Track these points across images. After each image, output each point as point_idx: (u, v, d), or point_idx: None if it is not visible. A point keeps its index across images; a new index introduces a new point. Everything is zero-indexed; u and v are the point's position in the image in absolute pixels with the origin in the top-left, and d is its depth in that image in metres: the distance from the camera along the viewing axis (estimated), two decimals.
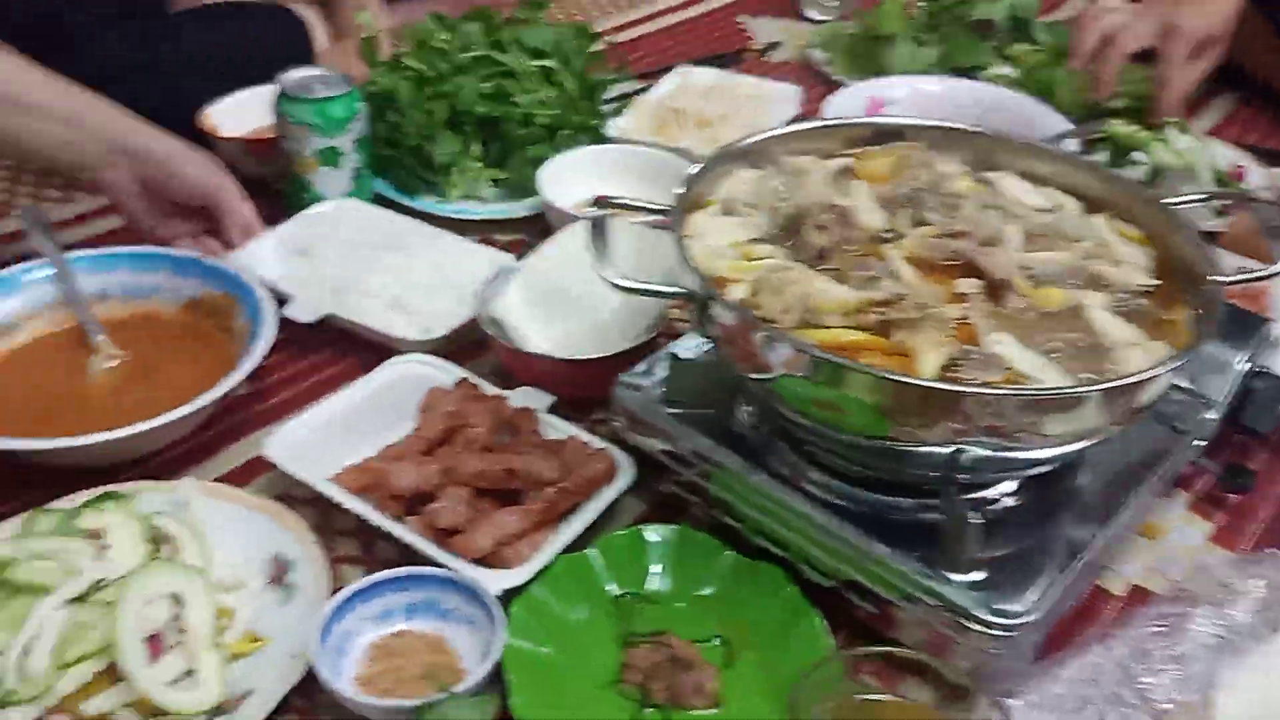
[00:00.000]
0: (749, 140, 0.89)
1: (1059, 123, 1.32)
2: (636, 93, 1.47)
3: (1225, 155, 1.33)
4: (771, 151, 0.91)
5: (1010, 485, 0.79)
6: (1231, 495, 0.90)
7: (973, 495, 0.77)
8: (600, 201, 0.80)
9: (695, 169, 0.84)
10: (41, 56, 0.97)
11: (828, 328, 0.72)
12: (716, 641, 0.75)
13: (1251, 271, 0.78)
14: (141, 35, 1.18)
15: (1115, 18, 1.33)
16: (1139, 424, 0.78)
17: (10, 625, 0.66)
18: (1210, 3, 1.32)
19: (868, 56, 1.53)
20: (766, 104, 1.43)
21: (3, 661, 0.64)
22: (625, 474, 0.83)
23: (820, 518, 0.75)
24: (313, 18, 1.42)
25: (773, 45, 1.69)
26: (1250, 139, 1.48)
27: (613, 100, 1.42)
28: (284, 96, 1.08)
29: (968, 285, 0.76)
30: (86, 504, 0.74)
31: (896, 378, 0.65)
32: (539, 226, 1.18)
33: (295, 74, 1.11)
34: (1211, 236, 1.16)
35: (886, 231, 0.82)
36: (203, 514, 0.77)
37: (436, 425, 0.85)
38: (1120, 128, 1.32)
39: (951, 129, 0.93)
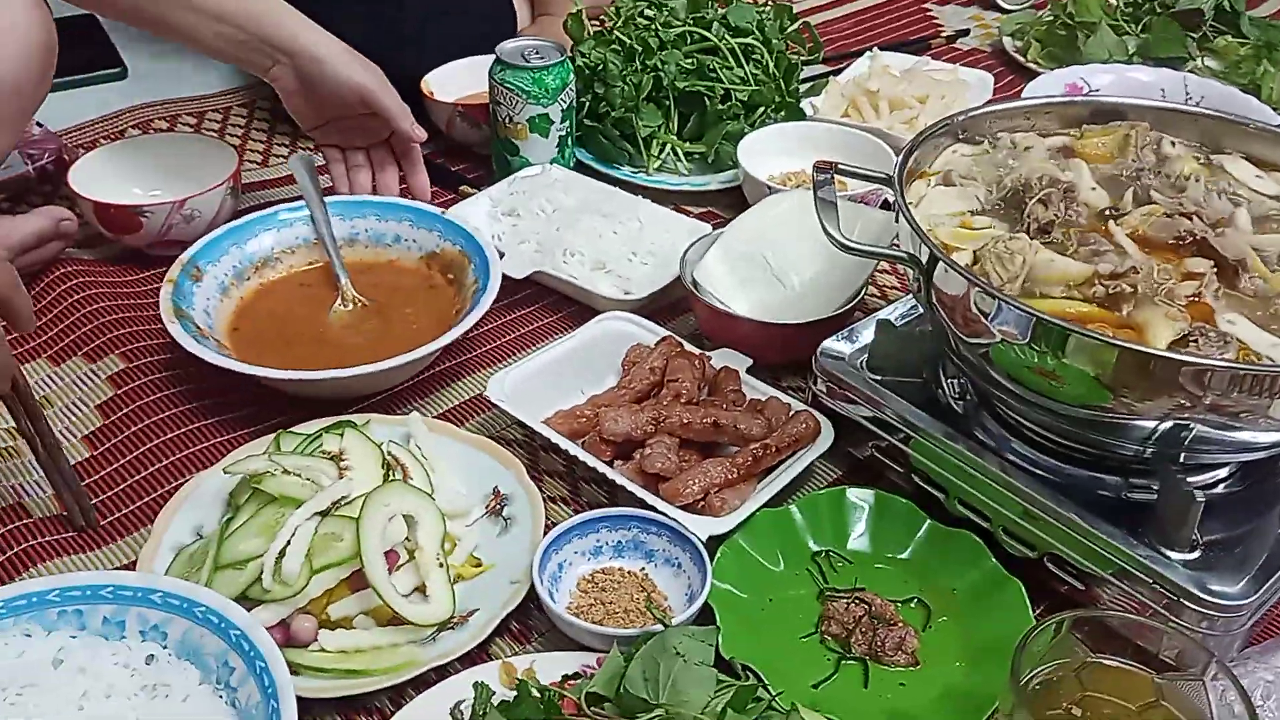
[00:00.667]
0: (965, 115, 0.89)
1: (1271, 116, 1.27)
2: (829, 74, 1.48)
3: None
4: (987, 127, 0.90)
5: (1224, 471, 0.77)
6: None
7: (1188, 476, 0.76)
8: (821, 167, 0.81)
9: (914, 138, 0.84)
10: None
11: (1054, 298, 0.72)
12: (914, 603, 0.76)
13: None
14: (372, 15, 1.25)
15: None
16: None
17: (265, 531, 0.72)
18: None
19: (1063, 45, 1.49)
20: (960, 90, 1.41)
21: (260, 564, 0.70)
22: (826, 436, 0.84)
23: (1028, 488, 0.75)
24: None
25: (962, 33, 1.67)
26: None
27: (807, 80, 1.44)
28: (500, 63, 1.13)
29: (1199, 264, 0.75)
30: (327, 429, 0.80)
31: (1134, 346, 0.65)
32: (730, 200, 1.20)
33: (511, 43, 1.16)
34: None
35: (1111, 209, 0.81)
36: (427, 446, 0.82)
37: (644, 378, 0.88)
38: None
39: (1176, 109, 0.92)
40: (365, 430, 0.80)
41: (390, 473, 0.77)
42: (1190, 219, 0.78)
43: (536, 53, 1.14)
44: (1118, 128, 0.90)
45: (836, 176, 0.84)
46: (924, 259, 0.74)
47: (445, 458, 0.82)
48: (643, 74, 1.22)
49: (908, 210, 0.75)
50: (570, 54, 1.22)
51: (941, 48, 1.64)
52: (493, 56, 1.15)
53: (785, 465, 0.82)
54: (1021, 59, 1.53)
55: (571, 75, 1.15)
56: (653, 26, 1.27)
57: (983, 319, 0.71)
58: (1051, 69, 1.48)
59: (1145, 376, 0.66)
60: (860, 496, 0.82)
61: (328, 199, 1.04)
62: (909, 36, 1.67)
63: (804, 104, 1.34)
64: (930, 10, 1.78)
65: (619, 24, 1.27)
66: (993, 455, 0.78)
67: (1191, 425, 0.68)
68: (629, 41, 1.24)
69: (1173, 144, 0.89)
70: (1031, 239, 0.77)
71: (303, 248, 1.03)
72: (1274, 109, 1.34)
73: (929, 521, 0.80)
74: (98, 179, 1.07)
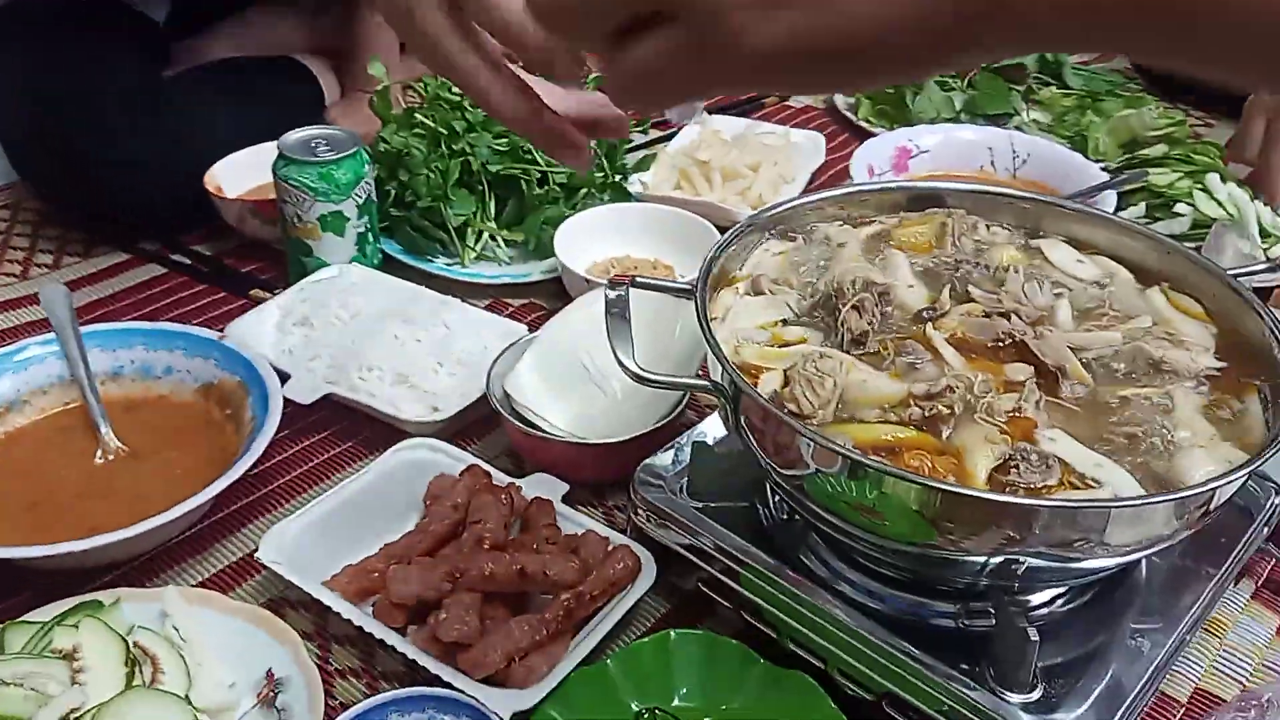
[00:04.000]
0: (777, 208, 0.84)
1: (1096, 173, 1.26)
2: (656, 142, 1.42)
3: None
4: (801, 219, 0.85)
5: (1064, 588, 0.72)
6: None
7: (1024, 599, 0.71)
8: (617, 281, 0.74)
9: (719, 242, 0.78)
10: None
11: (869, 423, 0.66)
12: None
13: None
14: (141, 100, 1.14)
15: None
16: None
17: None
18: None
19: (892, 103, 1.47)
20: (792, 153, 1.37)
21: None
22: (648, 573, 0.76)
23: (857, 623, 0.69)
24: (321, 69, 1.38)
25: None
26: None
27: (637, 150, 1.38)
28: (283, 158, 1.03)
29: (1020, 372, 0.70)
30: (61, 617, 0.69)
31: (945, 487, 0.59)
32: (555, 290, 1.13)
33: (297, 134, 1.06)
34: (1263, 294, 1.09)
35: (928, 309, 0.76)
36: (188, 625, 0.71)
37: (443, 520, 0.79)
38: (1160, 177, 1.26)
39: (994, 193, 0.88)
40: (110, 614, 0.69)
41: (136, 671, 0.66)
42: (1009, 318, 0.74)
43: (325, 144, 1.05)
44: (934, 215, 0.85)
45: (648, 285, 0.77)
46: (728, 387, 0.67)
47: (210, 637, 0.71)
48: (450, 159, 1.14)
49: (709, 332, 0.68)
50: (375, 138, 1.13)
51: (774, 106, 1.61)
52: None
53: (603, 613, 0.74)
54: (853, 117, 1.51)
55: (367, 166, 1.06)
56: (460, 106, 1.19)
57: (794, 453, 0.64)
58: (883, 127, 1.45)
59: (966, 513, 0.61)
60: (686, 640, 0.74)
61: (86, 328, 0.92)
62: (741, 95, 1.63)
63: (633, 180, 1.28)
64: None
65: (424, 106, 1.18)
66: (822, 588, 0.72)
67: (1022, 559, 0.62)
68: (433, 125, 1.15)
69: (988, 227, 0.85)
70: (846, 352, 0.72)
71: (57, 386, 0.90)
72: (1099, 160, 1.34)
73: (761, 663, 0.73)
74: None
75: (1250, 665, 0.78)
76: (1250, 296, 0.74)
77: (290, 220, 1.05)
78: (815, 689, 0.71)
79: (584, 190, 1.19)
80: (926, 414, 0.66)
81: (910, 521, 0.62)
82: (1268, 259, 1.19)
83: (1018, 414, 0.67)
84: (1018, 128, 1.38)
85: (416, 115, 1.16)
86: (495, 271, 1.15)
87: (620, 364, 0.68)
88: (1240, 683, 0.77)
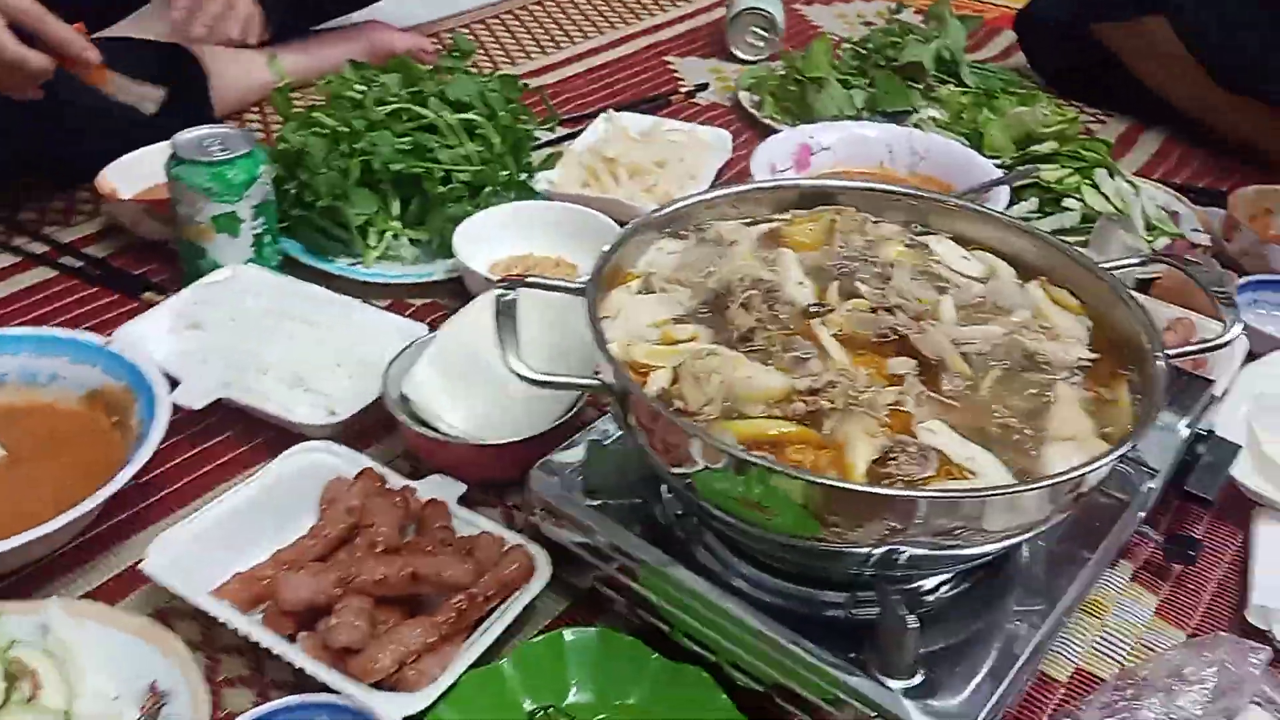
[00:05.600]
0: (671, 207, 0.84)
1: (990, 169, 1.29)
2: (564, 139, 1.42)
3: (1156, 196, 1.31)
4: (695, 217, 0.86)
5: (948, 574, 0.74)
6: (1177, 565, 0.87)
7: (910, 586, 0.73)
8: (508, 281, 0.74)
9: (611, 242, 0.79)
10: None
11: (754, 418, 0.67)
12: None
13: (1197, 343, 0.75)
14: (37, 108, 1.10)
15: None
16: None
17: None
18: None
19: (796, 100, 1.49)
20: (699, 150, 1.38)
21: None
22: (542, 572, 0.77)
23: (746, 617, 0.70)
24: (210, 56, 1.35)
25: (701, 86, 1.66)
26: (1181, 176, 1.47)
27: (541, 146, 1.37)
28: (175, 158, 1.01)
29: (902, 365, 0.72)
30: None
31: (822, 481, 0.60)
32: (457, 289, 1.12)
33: (190, 133, 1.04)
34: (1144, 285, 1.14)
35: (816, 305, 0.77)
36: (71, 638, 0.69)
37: (337, 524, 0.78)
38: (1050, 173, 1.30)
39: (884, 190, 0.89)
40: None
41: (14, 688, 0.64)
42: (893, 313, 0.76)
43: (220, 143, 1.03)
44: (824, 213, 0.87)
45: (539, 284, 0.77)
46: (617, 386, 0.67)
47: (93, 650, 0.69)
48: (350, 158, 1.13)
49: (595, 330, 0.69)
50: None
51: (681, 103, 1.62)
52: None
53: (497, 613, 0.74)
54: (757, 114, 1.52)
55: (263, 167, 1.04)
56: (362, 104, 1.17)
57: (681, 451, 0.65)
58: (787, 124, 1.47)
59: (848, 506, 0.62)
60: (581, 638, 0.74)
61: None
62: (649, 92, 1.64)
63: (540, 178, 1.28)
64: (671, 63, 1.76)
65: (325, 105, 1.17)
66: (714, 583, 0.72)
67: (903, 549, 0.64)
68: (333, 123, 1.14)
69: (876, 222, 0.87)
70: (734, 349, 0.73)
71: None
72: (994, 156, 1.37)
73: (658, 659, 0.74)
74: None
75: (1129, 645, 0.81)
76: (1121, 288, 0.76)
77: (183, 221, 1.03)
78: (709, 682, 0.72)
79: (488, 189, 1.19)
80: (810, 409, 0.67)
81: (795, 516, 0.63)
82: (1152, 251, 1.24)
83: (899, 407, 0.69)
84: (916, 125, 1.40)
85: (315, 114, 1.14)
86: (398, 271, 1.14)
87: (509, 366, 0.68)
88: (1119, 662, 0.80)
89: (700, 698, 0.71)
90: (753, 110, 1.53)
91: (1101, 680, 0.78)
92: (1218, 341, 0.72)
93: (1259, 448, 0.94)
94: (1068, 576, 0.76)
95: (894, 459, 0.64)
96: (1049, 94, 1.58)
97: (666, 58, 1.78)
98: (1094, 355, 0.74)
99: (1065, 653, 0.80)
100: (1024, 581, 0.76)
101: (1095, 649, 0.81)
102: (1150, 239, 1.24)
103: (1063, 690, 0.78)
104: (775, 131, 1.39)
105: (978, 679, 0.68)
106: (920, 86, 1.50)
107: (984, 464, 0.65)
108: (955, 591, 0.74)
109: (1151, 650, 0.81)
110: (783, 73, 1.55)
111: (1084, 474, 0.62)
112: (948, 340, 0.73)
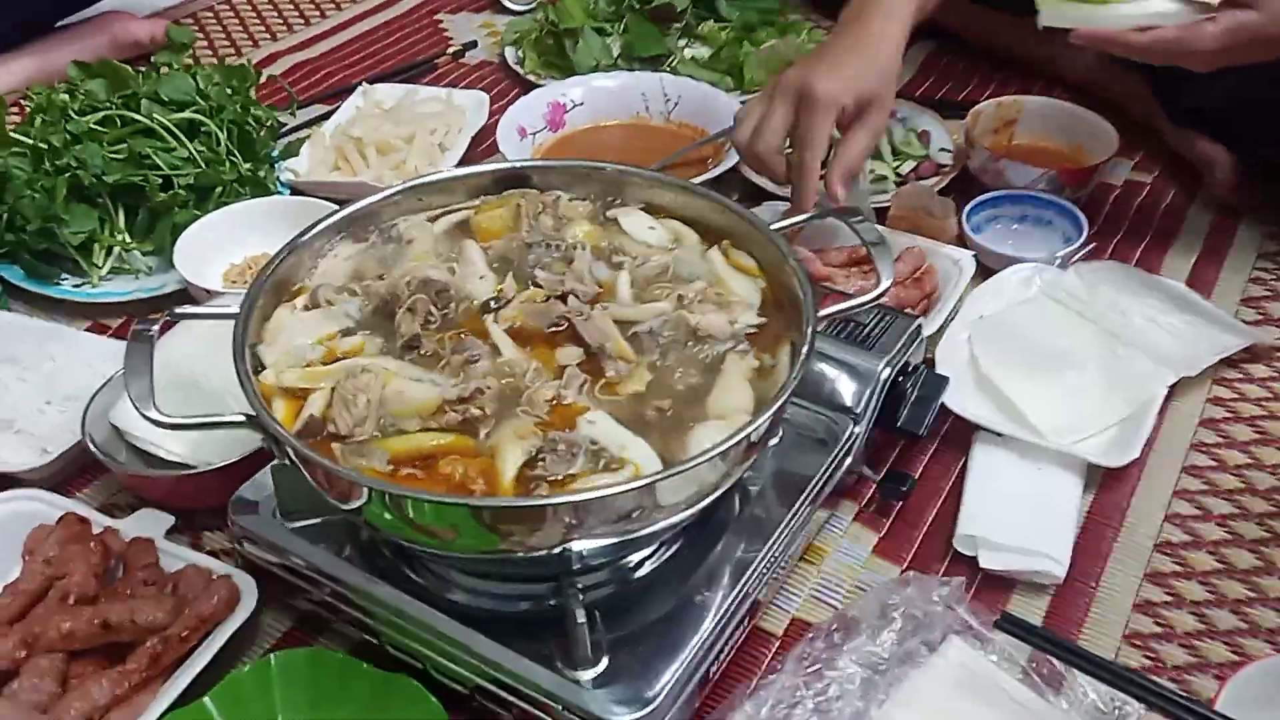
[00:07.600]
0: (351, 208, 0.82)
1: (736, 107, 1.29)
2: (314, 122, 1.37)
3: (909, 118, 1.32)
4: (380, 215, 0.84)
5: (647, 552, 0.75)
6: (895, 502, 0.90)
7: (620, 564, 0.74)
8: (161, 316, 0.72)
9: (275, 254, 0.76)
10: None
11: (411, 434, 0.67)
12: None
13: (855, 296, 0.76)
14: None
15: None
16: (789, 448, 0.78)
17: None
18: (849, 63, 0.99)
19: (555, 54, 1.47)
20: (456, 117, 1.35)
21: None
22: (248, 602, 0.76)
23: (442, 624, 0.71)
24: None
25: (470, 45, 1.61)
26: (941, 91, 1.49)
27: (286, 134, 1.33)
28: None
29: (568, 356, 0.72)
30: None
31: (450, 501, 0.61)
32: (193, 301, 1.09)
33: None
34: (882, 213, 1.15)
35: (493, 299, 0.77)
36: None
37: (34, 578, 0.76)
38: None
39: (575, 167, 0.88)
40: None
41: None
42: (565, 300, 0.75)
43: None
44: (510, 197, 0.85)
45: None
46: (261, 423, 0.66)
47: None
48: (56, 176, 1.07)
49: (239, 358, 0.67)
50: None
51: (448, 64, 1.57)
52: None
53: (200, 649, 0.74)
54: (521, 71, 1.49)
55: None
56: (66, 114, 1.12)
57: (332, 486, 0.65)
58: (554, 77, 1.45)
59: (505, 517, 0.62)
60: (288, 660, 0.74)
61: None
62: (418, 56, 1.59)
63: (284, 168, 1.24)
64: (441, 21, 1.71)
65: (23, 122, 1.11)
66: (412, 594, 0.72)
67: (580, 544, 0.64)
68: (32, 141, 1.08)
69: (572, 200, 0.86)
70: (402, 357, 0.72)
71: None
72: (755, 91, 1.37)
73: (367, 671, 0.74)
74: None
75: (844, 588, 0.84)
76: (786, 248, 0.77)
77: None
78: (418, 689, 0.72)
79: (219, 190, 1.14)
80: (462, 417, 0.67)
81: (472, 533, 0.63)
82: (899, 177, 1.25)
83: (559, 401, 0.69)
84: (672, 69, 1.39)
85: (12, 135, 1.09)
86: (130, 287, 1.10)
87: (138, 410, 0.66)
88: (835, 607, 0.83)
89: (411, 705, 0.72)
90: (516, 67, 1.50)
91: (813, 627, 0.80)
92: (867, 299, 0.74)
93: (978, 368, 0.97)
94: (770, 532, 0.78)
95: (542, 460, 0.65)
96: (813, 20, 1.57)
97: (438, 15, 1.72)
98: (760, 321, 0.75)
99: (783, 605, 0.82)
100: (730, 547, 0.77)
101: (813, 597, 0.83)
102: (897, 163, 1.26)
103: (778, 643, 0.80)
104: (539, 88, 1.36)
105: (672, 659, 0.69)
106: (680, 27, 1.48)
107: (637, 452, 0.66)
108: (658, 566, 0.75)
109: (864, 589, 0.83)
110: (541, 25, 1.51)
111: (704, 461, 0.62)
112: (611, 324, 0.73)
